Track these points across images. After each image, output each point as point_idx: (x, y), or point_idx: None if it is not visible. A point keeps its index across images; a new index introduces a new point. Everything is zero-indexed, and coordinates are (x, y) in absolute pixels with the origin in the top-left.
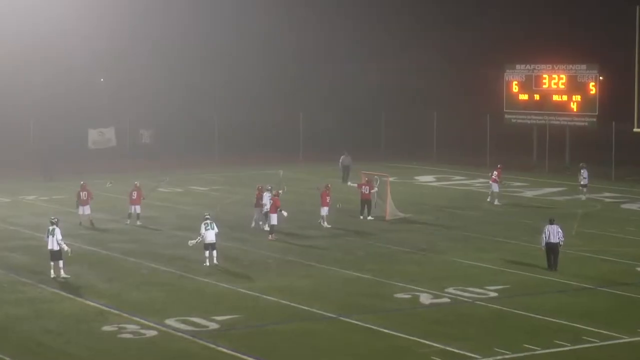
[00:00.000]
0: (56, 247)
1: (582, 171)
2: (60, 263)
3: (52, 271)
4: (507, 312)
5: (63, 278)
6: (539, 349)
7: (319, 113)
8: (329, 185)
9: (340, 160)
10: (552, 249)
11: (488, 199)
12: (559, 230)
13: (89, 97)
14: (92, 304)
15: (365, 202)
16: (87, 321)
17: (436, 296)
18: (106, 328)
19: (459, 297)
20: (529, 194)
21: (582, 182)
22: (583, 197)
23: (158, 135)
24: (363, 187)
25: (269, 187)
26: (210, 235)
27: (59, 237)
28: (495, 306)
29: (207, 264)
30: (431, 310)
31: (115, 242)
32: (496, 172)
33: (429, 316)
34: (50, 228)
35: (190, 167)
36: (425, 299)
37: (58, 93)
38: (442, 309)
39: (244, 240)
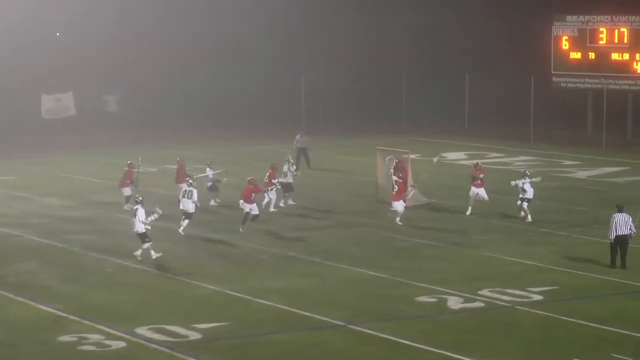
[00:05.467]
0: (140, 230)
1: (525, 180)
2: (145, 245)
3: (139, 252)
4: (555, 319)
5: (155, 259)
6: None
7: (326, 77)
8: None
9: (295, 141)
10: (620, 242)
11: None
12: (629, 219)
13: (42, 56)
14: (46, 309)
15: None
16: (40, 330)
17: (468, 300)
18: (63, 338)
19: (495, 301)
20: (582, 174)
21: (525, 196)
22: (522, 214)
23: (127, 102)
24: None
25: (290, 160)
26: (185, 204)
27: (142, 217)
28: (540, 312)
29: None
30: (462, 316)
31: (73, 234)
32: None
33: (459, 324)
34: (134, 208)
35: (167, 142)
36: (454, 303)
37: (2, 50)
38: (475, 315)
39: (234, 231)
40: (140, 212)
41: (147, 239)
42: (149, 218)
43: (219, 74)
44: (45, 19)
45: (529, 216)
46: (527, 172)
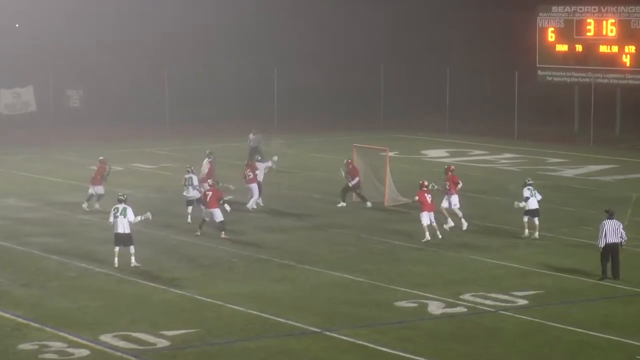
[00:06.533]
0: (127, 230)
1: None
2: (132, 249)
3: (115, 259)
4: (541, 325)
5: (134, 267)
6: None
7: (300, 71)
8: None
9: (249, 140)
10: (611, 251)
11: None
12: (620, 225)
13: (0, 48)
14: (5, 315)
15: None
16: None
17: (449, 304)
18: (24, 346)
19: (478, 306)
20: (569, 172)
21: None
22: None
23: (90, 97)
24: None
25: (259, 158)
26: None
27: (132, 217)
28: (525, 317)
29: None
30: (443, 322)
31: (34, 236)
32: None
33: (439, 330)
34: (120, 207)
35: (132, 139)
36: (435, 308)
37: None
38: (456, 320)
39: (204, 233)
40: (130, 212)
41: (132, 242)
42: (137, 218)
43: (187, 68)
44: (3, 9)
45: (537, 232)
46: (527, 180)
